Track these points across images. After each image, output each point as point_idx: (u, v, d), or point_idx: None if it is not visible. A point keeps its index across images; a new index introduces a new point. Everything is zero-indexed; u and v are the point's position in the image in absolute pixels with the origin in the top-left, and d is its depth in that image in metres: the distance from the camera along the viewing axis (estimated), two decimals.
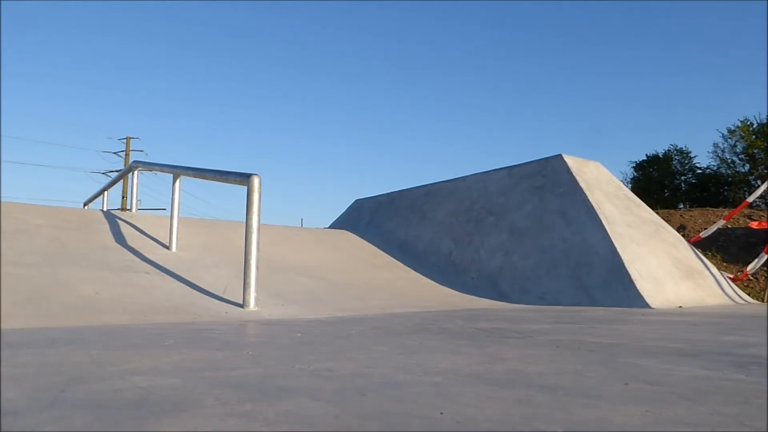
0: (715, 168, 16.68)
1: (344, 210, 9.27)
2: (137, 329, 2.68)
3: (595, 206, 5.40)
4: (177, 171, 5.09)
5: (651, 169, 17.52)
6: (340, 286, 5.11)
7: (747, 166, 15.64)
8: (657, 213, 7.15)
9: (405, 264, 6.53)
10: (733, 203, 12.70)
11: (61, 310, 3.13)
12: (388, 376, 1.51)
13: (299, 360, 1.79)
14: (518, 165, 6.54)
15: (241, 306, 3.71)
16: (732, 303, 5.40)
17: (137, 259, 4.50)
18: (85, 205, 9.13)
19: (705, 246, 7.71)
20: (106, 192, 8.34)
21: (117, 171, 27.45)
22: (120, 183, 17.25)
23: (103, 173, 29.20)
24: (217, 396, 1.24)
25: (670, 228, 6.25)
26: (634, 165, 17.96)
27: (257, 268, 3.77)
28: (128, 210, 7.55)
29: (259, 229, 3.84)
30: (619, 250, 4.95)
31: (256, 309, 3.69)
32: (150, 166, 6.86)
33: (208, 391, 1.29)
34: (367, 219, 8.39)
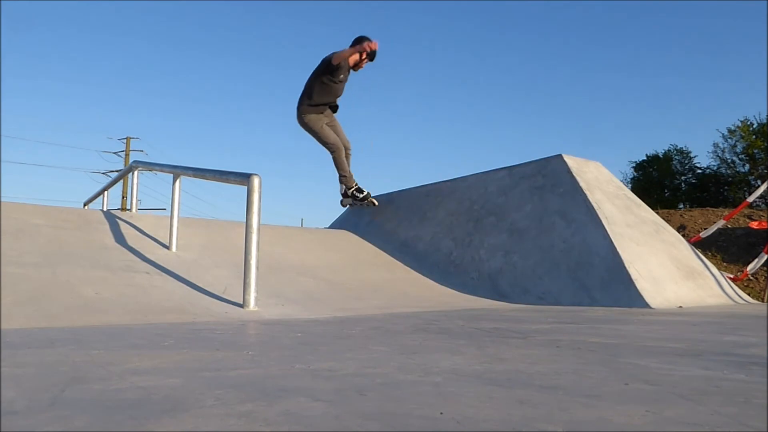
0: (715, 168, 16.69)
1: (344, 210, 9.27)
2: (137, 329, 2.68)
3: (595, 206, 5.40)
4: (177, 171, 5.09)
5: (651, 169, 17.53)
6: (340, 286, 5.11)
7: (747, 166, 15.65)
8: (657, 213, 7.15)
9: (405, 264, 6.53)
10: (733, 203, 12.70)
11: (61, 310, 3.13)
12: (388, 376, 1.51)
13: (299, 360, 1.79)
14: (518, 165, 6.53)
15: (241, 306, 3.71)
16: (732, 303, 5.40)
17: (137, 259, 4.50)
18: (85, 205, 9.12)
19: (705, 246, 7.71)
20: (106, 192, 8.33)
21: (117, 171, 27.44)
22: (120, 183, 17.25)
23: (103, 173, 29.26)
24: (217, 396, 1.24)
25: (670, 228, 6.25)
26: (634, 165, 17.98)
27: (257, 268, 3.77)
28: (128, 210, 7.55)
29: (259, 229, 3.84)
30: (619, 250, 4.95)
31: (256, 309, 3.69)
32: (150, 166, 6.86)
33: (208, 391, 1.29)
34: (367, 219, 8.39)
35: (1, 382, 1.36)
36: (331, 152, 6.00)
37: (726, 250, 7.84)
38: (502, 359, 1.82)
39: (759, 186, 8.54)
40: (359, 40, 5.57)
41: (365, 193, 6.42)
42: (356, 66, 5.75)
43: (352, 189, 6.28)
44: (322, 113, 5.88)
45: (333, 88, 5.71)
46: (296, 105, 5.93)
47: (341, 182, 6.27)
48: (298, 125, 5.98)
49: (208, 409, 1.12)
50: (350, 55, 5.51)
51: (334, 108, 6.06)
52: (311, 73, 5.83)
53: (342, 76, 5.66)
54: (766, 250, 6.71)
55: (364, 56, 5.62)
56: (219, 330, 2.69)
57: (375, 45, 5.50)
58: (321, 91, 5.73)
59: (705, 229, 7.91)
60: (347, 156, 5.99)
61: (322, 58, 5.74)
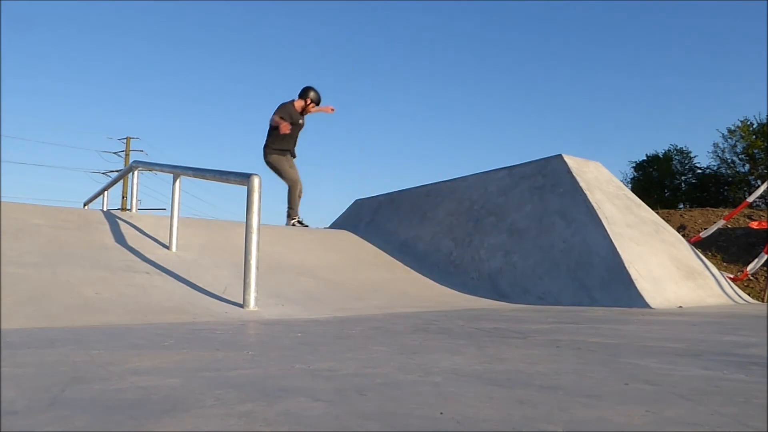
0: (715, 168, 16.67)
1: (344, 210, 9.27)
2: (137, 329, 2.68)
3: (595, 206, 5.40)
4: (177, 171, 5.09)
5: (651, 169, 17.51)
6: (340, 286, 5.11)
7: (747, 166, 15.63)
8: (657, 213, 7.14)
9: (405, 264, 6.53)
10: (733, 203, 12.69)
11: (61, 310, 3.13)
12: (388, 376, 1.51)
13: (299, 360, 1.79)
14: (518, 165, 6.54)
15: (241, 306, 3.71)
16: (732, 303, 5.40)
17: (137, 259, 4.50)
18: (85, 205, 9.12)
19: (705, 246, 7.71)
20: (106, 192, 8.33)
21: (117, 171, 27.45)
22: (120, 183, 17.22)
23: (103, 173, 29.25)
24: (217, 396, 1.24)
25: (670, 228, 6.25)
26: (634, 165, 17.96)
27: (257, 268, 3.77)
28: (128, 210, 7.55)
29: (259, 229, 3.84)
30: (619, 250, 4.95)
31: (256, 309, 3.69)
32: (150, 166, 6.86)
33: (208, 391, 1.29)
34: (367, 219, 8.39)
35: (1, 382, 1.37)
36: (290, 186, 6.87)
37: (726, 250, 7.84)
38: (502, 359, 1.82)
39: (759, 186, 8.53)
40: (305, 92, 6.85)
41: (297, 218, 7.20)
42: (304, 111, 6.90)
43: (294, 220, 7.11)
44: (284, 156, 6.89)
45: (289, 135, 6.71)
46: (262, 147, 6.96)
47: (288, 215, 7.12)
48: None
49: (208, 409, 1.12)
50: (284, 123, 6.57)
51: (293, 155, 7.08)
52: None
53: (293, 125, 6.71)
54: (766, 250, 6.71)
55: (309, 102, 6.86)
56: (219, 330, 2.69)
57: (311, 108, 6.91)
58: (277, 138, 6.71)
59: (705, 229, 7.91)
60: (299, 195, 6.89)
61: (274, 111, 6.73)
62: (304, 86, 6.89)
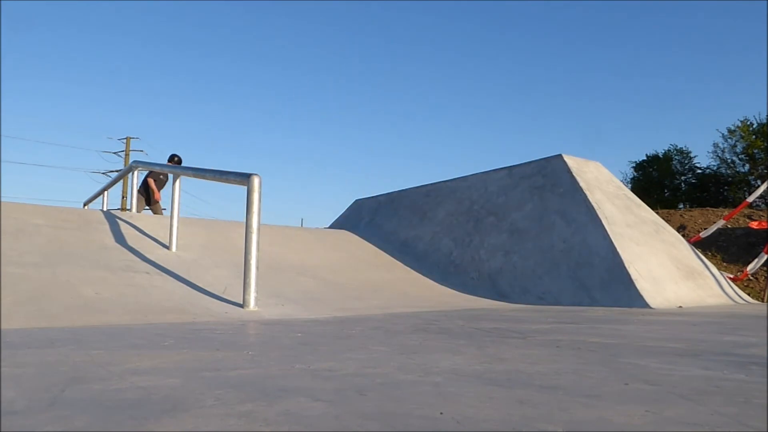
0: (715, 168, 16.65)
1: (344, 210, 9.27)
2: (137, 329, 2.68)
3: (595, 206, 5.40)
4: (177, 171, 5.09)
5: (651, 169, 17.50)
6: (340, 286, 5.11)
7: (747, 166, 15.62)
8: (657, 213, 7.14)
9: (405, 264, 6.53)
10: (733, 203, 12.69)
11: (61, 310, 3.13)
12: (388, 376, 1.51)
13: (299, 360, 1.79)
14: (518, 165, 6.54)
15: (241, 306, 3.71)
16: (732, 303, 5.40)
17: (137, 259, 4.50)
18: (85, 205, 9.12)
19: (705, 246, 7.71)
20: (106, 192, 8.34)
21: (117, 171, 27.42)
22: (120, 183, 17.23)
23: (103, 173, 29.20)
24: (217, 396, 1.24)
25: (670, 228, 6.25)
26: (634, 165, 17.94)
27: (257, 268, 3.77)
28: (128, 210, 7.55)
29: (259, 229, 3.84)
30: (619, 250, 4.95)
31: (256, 309, 3.69)
32: (150, 166, 6.87)
33: (208, 391, 1.29)
34: (367, 219, 8.39)
35: (1, 382, 1.37)
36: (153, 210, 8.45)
37: (726, 250, 7.84)
38: (502, 359, 1.82)
39: (759, 186, 8.53)
40: (172, 157, 8.30)
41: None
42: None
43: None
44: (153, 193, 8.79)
45: (158, 183, 8.48)
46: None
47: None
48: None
49: (208, 409, 1.12)
50: (155, 188, 8.40)
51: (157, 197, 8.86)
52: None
53: (160, 181, 8.42)
54: (766, 250, 6.71)
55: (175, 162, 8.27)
56: (219, 330, 2.69)
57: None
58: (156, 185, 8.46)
59: (705, 229, 7.91)
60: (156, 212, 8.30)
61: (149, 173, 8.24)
62: (171, 153, 8.44)
